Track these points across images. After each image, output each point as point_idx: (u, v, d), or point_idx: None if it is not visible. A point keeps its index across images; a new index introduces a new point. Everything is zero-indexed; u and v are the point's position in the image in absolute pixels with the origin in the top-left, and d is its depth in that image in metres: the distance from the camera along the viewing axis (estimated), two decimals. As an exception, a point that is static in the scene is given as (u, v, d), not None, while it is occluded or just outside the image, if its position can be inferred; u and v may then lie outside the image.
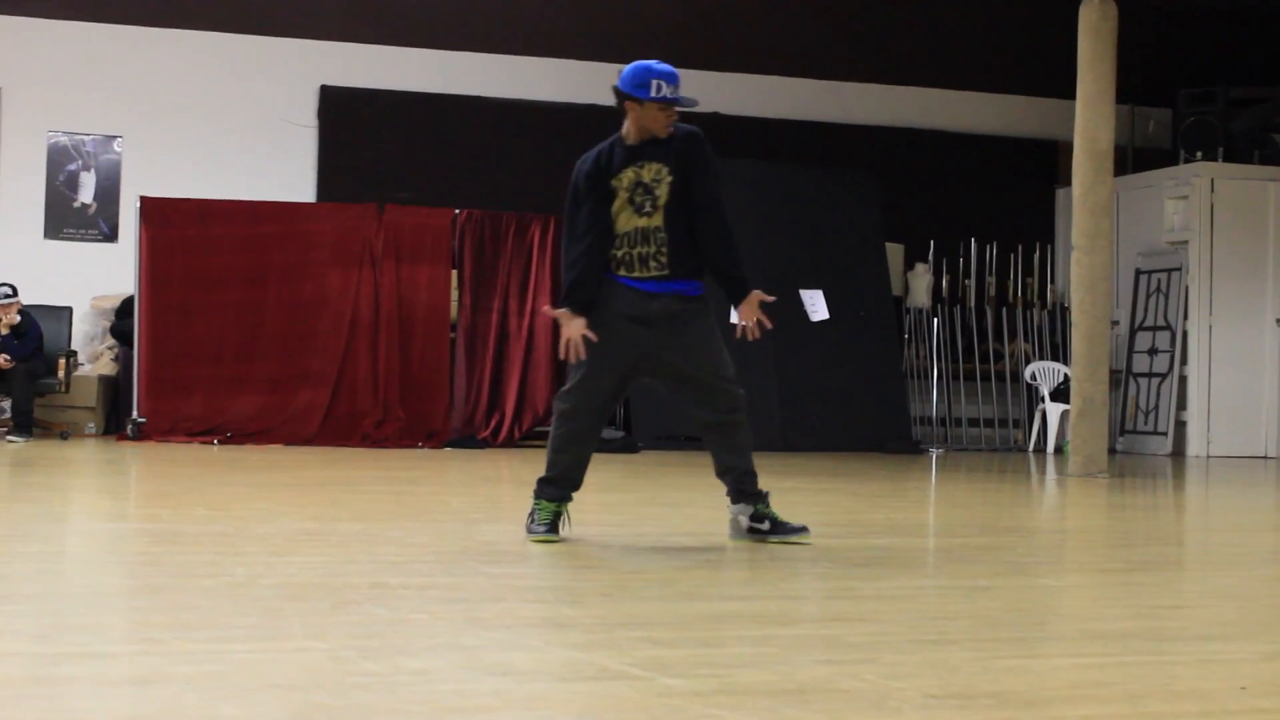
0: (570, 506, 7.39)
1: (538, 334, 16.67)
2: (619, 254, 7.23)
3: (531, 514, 7.34)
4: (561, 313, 7.23)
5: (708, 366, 7.30)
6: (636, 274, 7.23)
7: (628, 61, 7.34)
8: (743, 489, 7.40)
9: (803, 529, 7.41)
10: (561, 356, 7.32)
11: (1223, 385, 18.36)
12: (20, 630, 4.75)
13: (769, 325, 7.38)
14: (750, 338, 7.40)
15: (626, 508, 9.76)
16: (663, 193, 7.20)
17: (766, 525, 7.35)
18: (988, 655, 4.66)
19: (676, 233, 7.21)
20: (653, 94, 7.18)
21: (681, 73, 7.35)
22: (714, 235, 7.27)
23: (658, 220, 7.19)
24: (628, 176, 7.23)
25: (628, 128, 7.29)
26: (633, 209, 7.22)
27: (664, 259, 7.20)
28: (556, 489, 7.31)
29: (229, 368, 16.03)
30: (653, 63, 7.29)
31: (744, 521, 7.37)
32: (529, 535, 7.26)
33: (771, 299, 7.41)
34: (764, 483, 7.45)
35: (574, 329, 7.17)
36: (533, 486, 7.35)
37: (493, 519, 8.89)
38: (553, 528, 7.25)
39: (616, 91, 7.21)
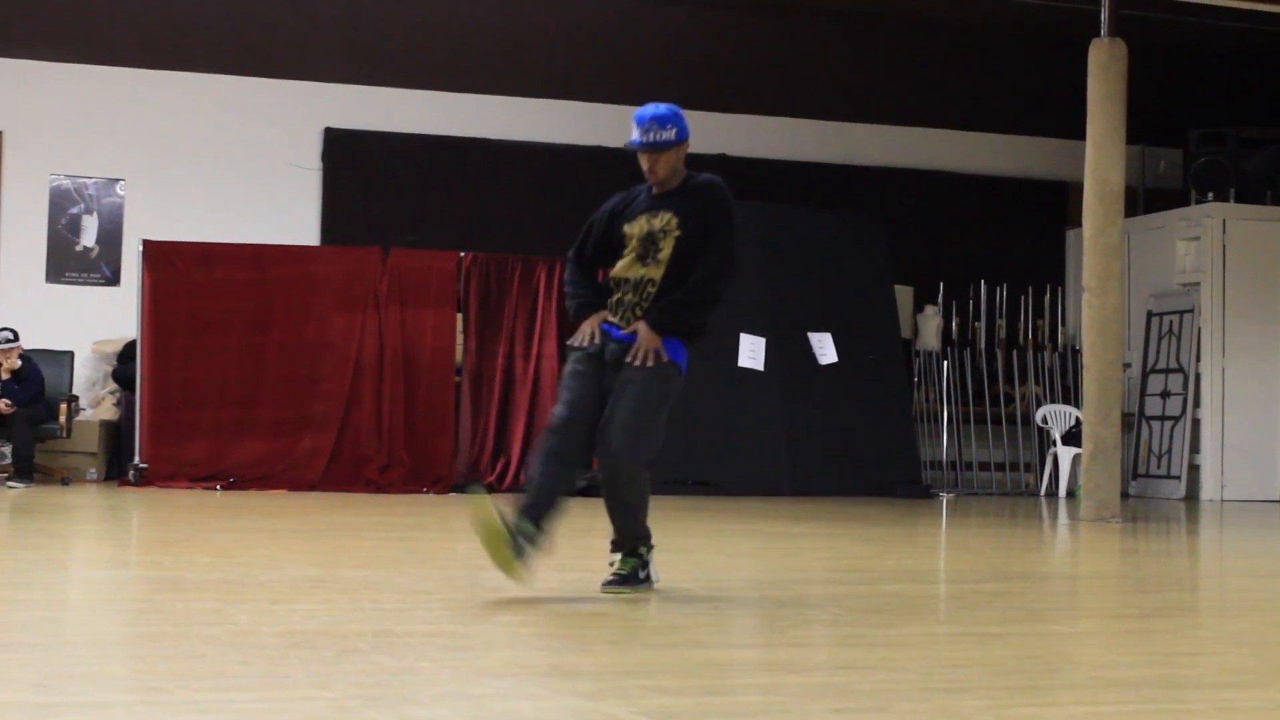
0: (543, 543, 7.03)
1: (544, 378, 16.60)
2: (614, 300, 7.16)
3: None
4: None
5: (618, 423, 6.95)
6: (614, 320, 7.13)
7: (634, 104, 7.30)
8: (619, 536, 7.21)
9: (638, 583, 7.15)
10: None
11: (1236, 428, 18.28)
12: (20, 679, 4.70)
13: (649, 363, 6.99)
14: (634, 361, 6.98)
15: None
16: (667, 245, 7.08)
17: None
18: (1001, 703, 4.61)
19: (669, 289, 7.08)
20: (628, 142, 7.16)
21: (688, 114, 7.27)
22: (701, 286, 7.09)
23: (655, 273, 7.08)
24: (640, 225, 7.14)
25: None
26: (635, 255, 7.13)
27: (640, 313, 7.07)
28: (531, 512, 7.01)
29: (232, 412, 15.97)
30: (643, 107, 7.21)
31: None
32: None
33: (664, 358, 7.02)
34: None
35: (588, 320, 7.15)
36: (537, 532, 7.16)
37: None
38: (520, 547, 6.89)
39: None
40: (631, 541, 7.17)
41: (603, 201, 7.41)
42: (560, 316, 16.39)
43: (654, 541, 7.27)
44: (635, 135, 7.13)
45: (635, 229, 7.14)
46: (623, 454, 6.95)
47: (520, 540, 6.78)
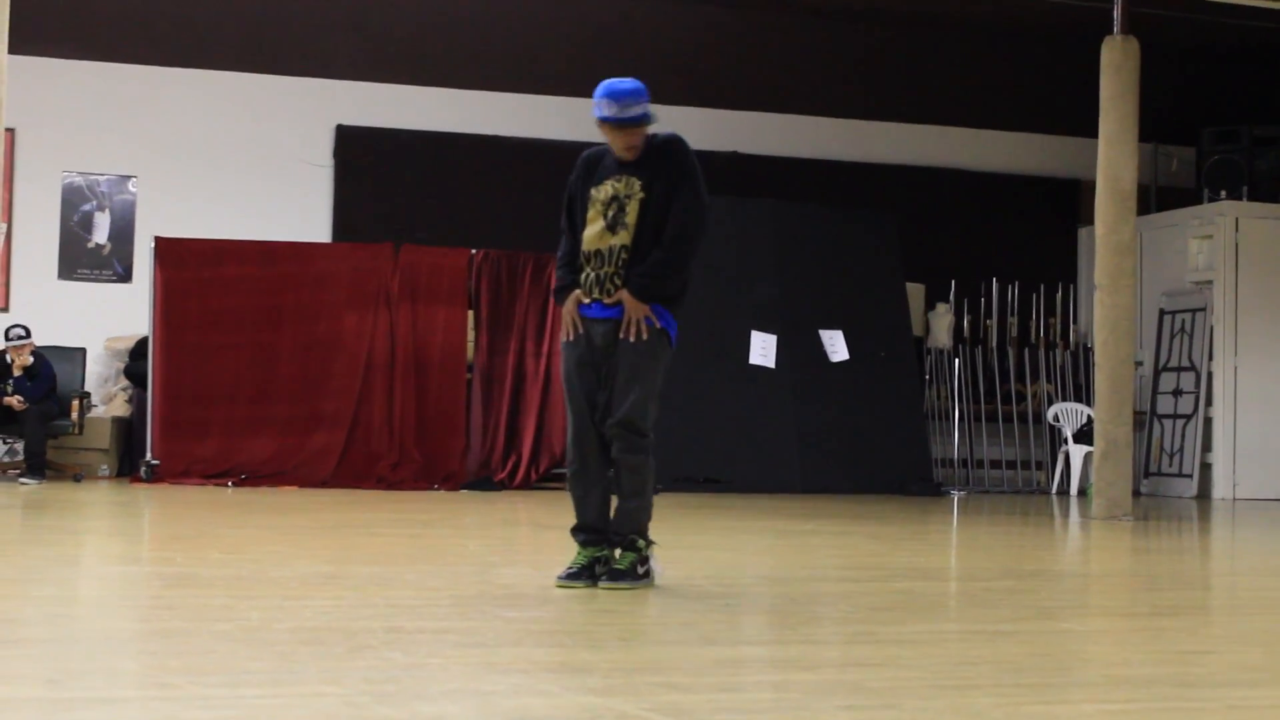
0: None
1: (555, 375, 16.58)
2: (582, 277, 7.15)
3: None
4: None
5: (625, 408, 7.02)
6: (593, 297, 7.10)
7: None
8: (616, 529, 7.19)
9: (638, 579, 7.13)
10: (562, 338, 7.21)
11: (1248, 427, 18.24)
12: (32, 675, 4.71)
13: (644, 336, 7.04)
14: (629, 337, 7.03)
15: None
16: (633, 209, 7.04)
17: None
18: (1011, 701, 4.60)
19: (641, 254, 7.06)
20: (596, 113, 7.14)
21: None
22: (670, 250, 7.06)
23: (624, 239, 7.05)
24: (605, 190, 7.12)
25: None
26: (604, 224, 7.09)
27: (620, 282, 7.05)
28: (578, 534, 7.22)
29: (243, 409, 15.97)
30: (609, 81, 7.20)
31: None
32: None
33: (657, 325, 7.09)
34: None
35: (565, 309, 7.15)
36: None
37: (509, 562, 8.82)
38: (576, 574, 7.11)
39: None
40: (631, 533, 7.14)
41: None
42: (572, 314, 16.36)
43: (654, 539, 7.25)
44: (611, 110, 7.09)
45: (600, 193, 7.12)
46: (633, 436, 7.03)
47: (636, 569, 7.10)
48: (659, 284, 7.06)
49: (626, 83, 7.15)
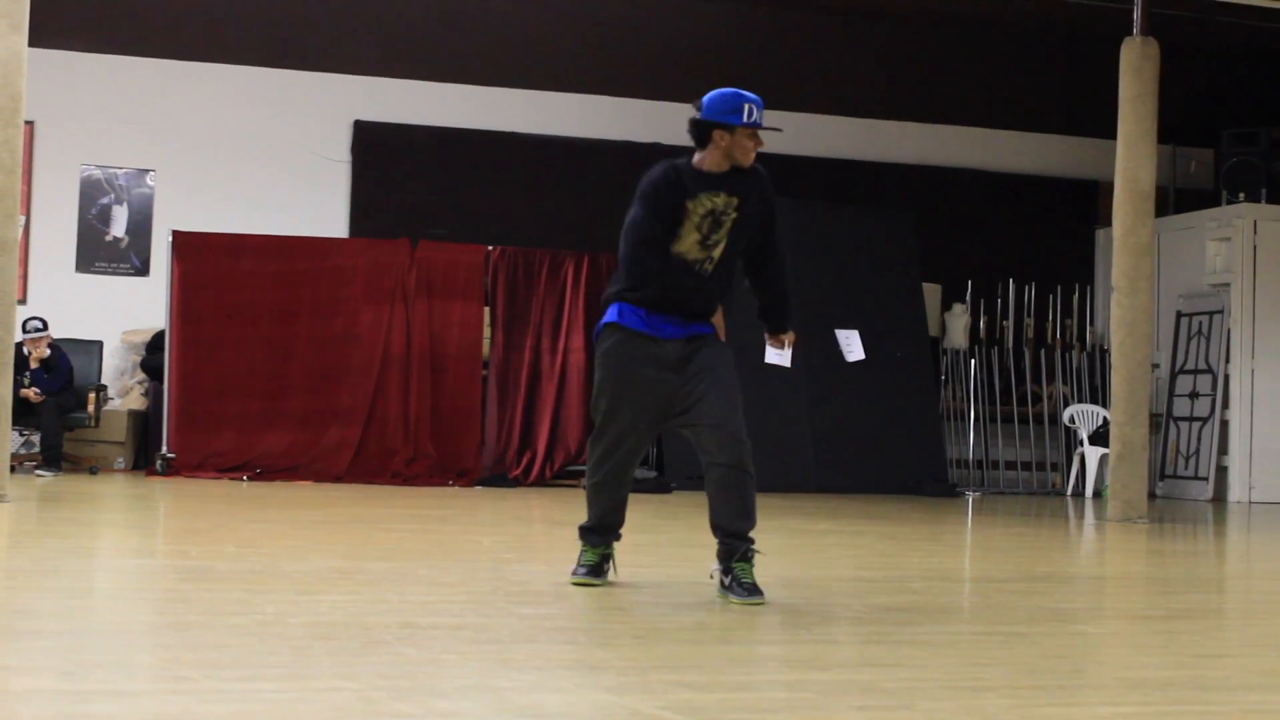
0: (617, 548, 7.30)
1: (570, 372, 16.60)
2: (650, 291, 6.97)
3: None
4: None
5: (713, 409, 6.95)
6: (660, 311, 6.97)
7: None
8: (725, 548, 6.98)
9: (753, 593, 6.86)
10: None
11: (1265, 430, 18.20)
12: (48, 666, 4.72)
13: (785, 354, 7.40)
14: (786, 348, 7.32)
15: (659, 549, 9.69)
16: (727, 225, 6.95)
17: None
18: (1025, 703, 4.60)
19: (723, 271, 7.03)
20: (745, 119, 6.96)
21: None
22: (776, 272, 7.29)
23: (717, 254, 6.96)
24: (704, 203, 6.93)
25: (705, 157, 6.98)
26: (699, 236, 6.95)
27: (698, 296, 6.98)
28: (596, 535, 7.22)
29: (259, 403, 15.99)
30: (736, 89, 7.09)
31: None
32: (571, 577, 7.16)
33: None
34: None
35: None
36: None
37: (524, 558, 8.82)
38: (593, 571, 7.14)
39: (700, 123, 6.95)
40: (745, 541, 6.92)
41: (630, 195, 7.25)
42: (588, 311, 16.38)
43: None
44: (758, 116, 7.03)
45: (698, 206, 6.93)
46: (745, 453, 6.95)
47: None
48: (790, 316, 7.49)
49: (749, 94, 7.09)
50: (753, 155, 7.04)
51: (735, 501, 6.91)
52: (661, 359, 6.97)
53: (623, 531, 7.31)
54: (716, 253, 6.98)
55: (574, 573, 7.17)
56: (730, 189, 6.98)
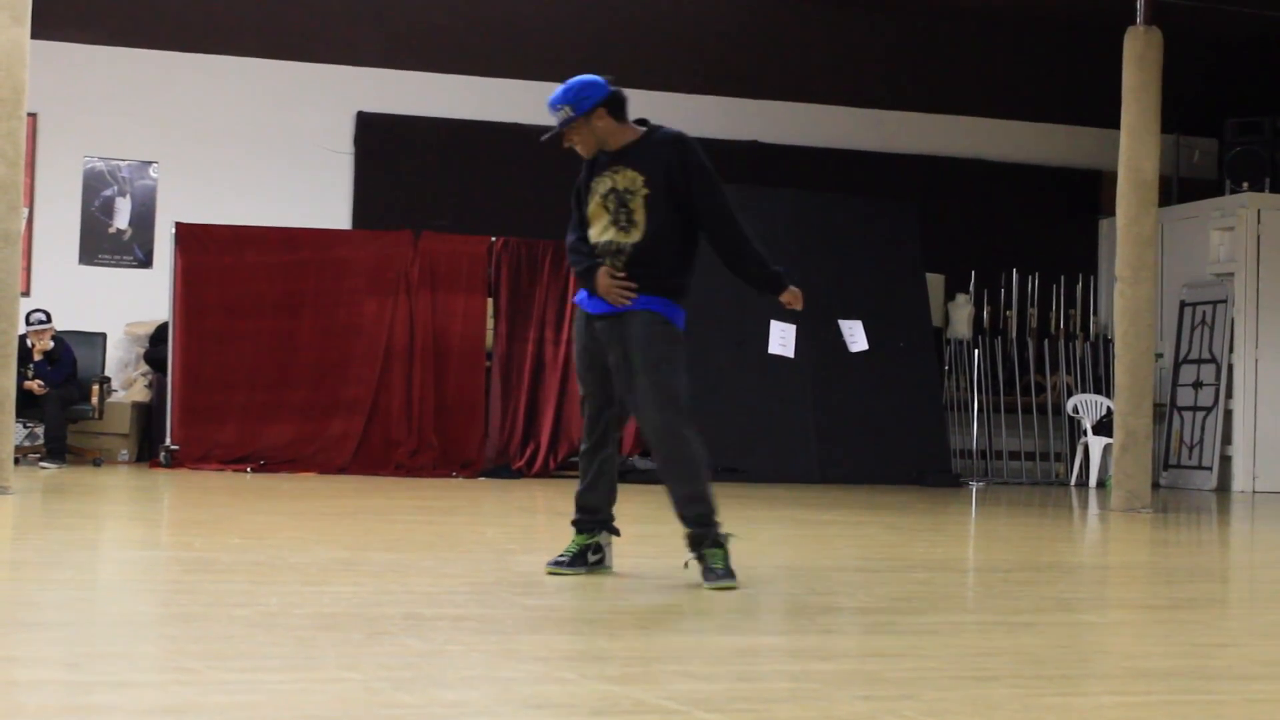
0: (614, 541, 7.27)
1: (573, 364, 16.57)
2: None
3: None
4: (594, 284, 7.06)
5: (638, 406, 6.96)
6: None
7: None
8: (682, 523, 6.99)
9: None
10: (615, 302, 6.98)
11: (1269, 419, 18.19)
12: (52, 658, 4.72)
13: (800, 308, 7.22)
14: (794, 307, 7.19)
15: (663, 539, 9.67)
16: (638, 206, 6.91)
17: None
18: (1030, 693, 4.60)
19: (656, 251, 6.92)
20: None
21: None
22: (731, 244, 7.01)
23: (636, 237, 6.92)
24: (604, 182, 7.00)
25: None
26: (609, 218, 6.97)
27: (632, 278, 6.93)
28: (576, 516, 7.22)
29: (263, 395, 16.00)
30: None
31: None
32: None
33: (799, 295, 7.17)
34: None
35: (601, 281, 6.97)
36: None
37: (528, 550, 8.82)
38: (570, 561, 7.10)
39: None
40: (705, 527, 6.89)
41: None
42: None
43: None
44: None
45: (599, 185, 7.02)
46: (671, 446, 6.96)
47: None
48: (774, 274, 7.14)
49: (553, 95, 7.27)
50: (576, 149, 7.17)
51: (679, 491, 6.93)
52: (594, 334, 7.07)
53: (619, 526, 7.27)
54: (637, 234, 6.92)
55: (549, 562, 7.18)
56: (632, 164, 6.98)
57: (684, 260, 7.03)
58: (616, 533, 7.26)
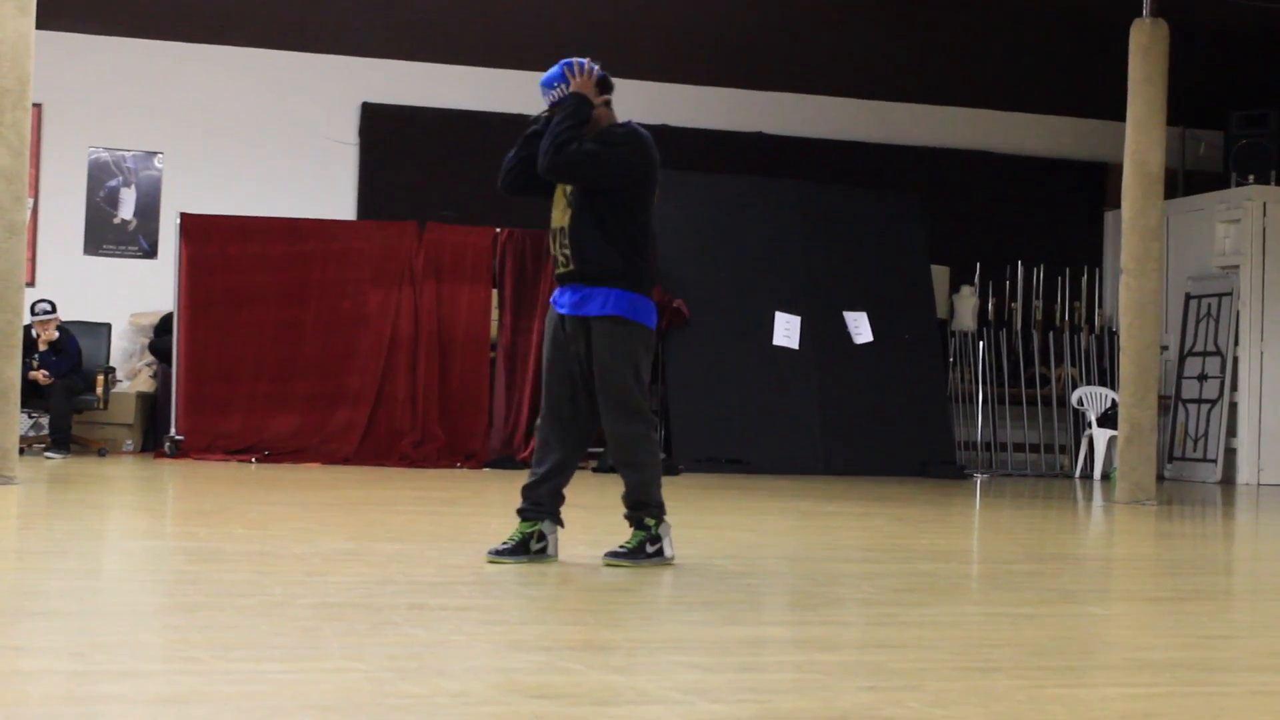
0: (558, 533, 7.31)
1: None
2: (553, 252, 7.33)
3: None
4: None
5: (602, 413, 7.16)
6: (558, 271, 7.25)
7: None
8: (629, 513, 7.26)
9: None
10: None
11: (1273, 412, 18.18)
12: (57, 648, 4.73)
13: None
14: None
15: (667, 530, 9.69)
16: (573, 189, 7.23)
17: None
18: (1034, 684, 4.60)
19: (580, 229, 7.15)
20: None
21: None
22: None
23: (565, 220, 7.22)
24: None
25: None
26: (565, 202, 7.28)
27: (568, 255, 7.16)
28: (523, 509, 7.23)
29: (267, 386, 16.01)
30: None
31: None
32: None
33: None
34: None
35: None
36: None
37: (532, 540, 8.80)
38: (511, 550, 7.13)
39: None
40: (638, 511, 7.18)
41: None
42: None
43: (667, 518, 7.27)
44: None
45: None
46: (624, 453, 7.19)
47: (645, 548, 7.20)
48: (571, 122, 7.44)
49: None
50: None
51: (632, 481, 7.19)
52: (560, 330, 7.21)
53: (564, 521, 7.36)
54: (568, 217, 7.23)
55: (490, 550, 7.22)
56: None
57: (614, 242, 7.16)
58: (561, 524, 7.33)
